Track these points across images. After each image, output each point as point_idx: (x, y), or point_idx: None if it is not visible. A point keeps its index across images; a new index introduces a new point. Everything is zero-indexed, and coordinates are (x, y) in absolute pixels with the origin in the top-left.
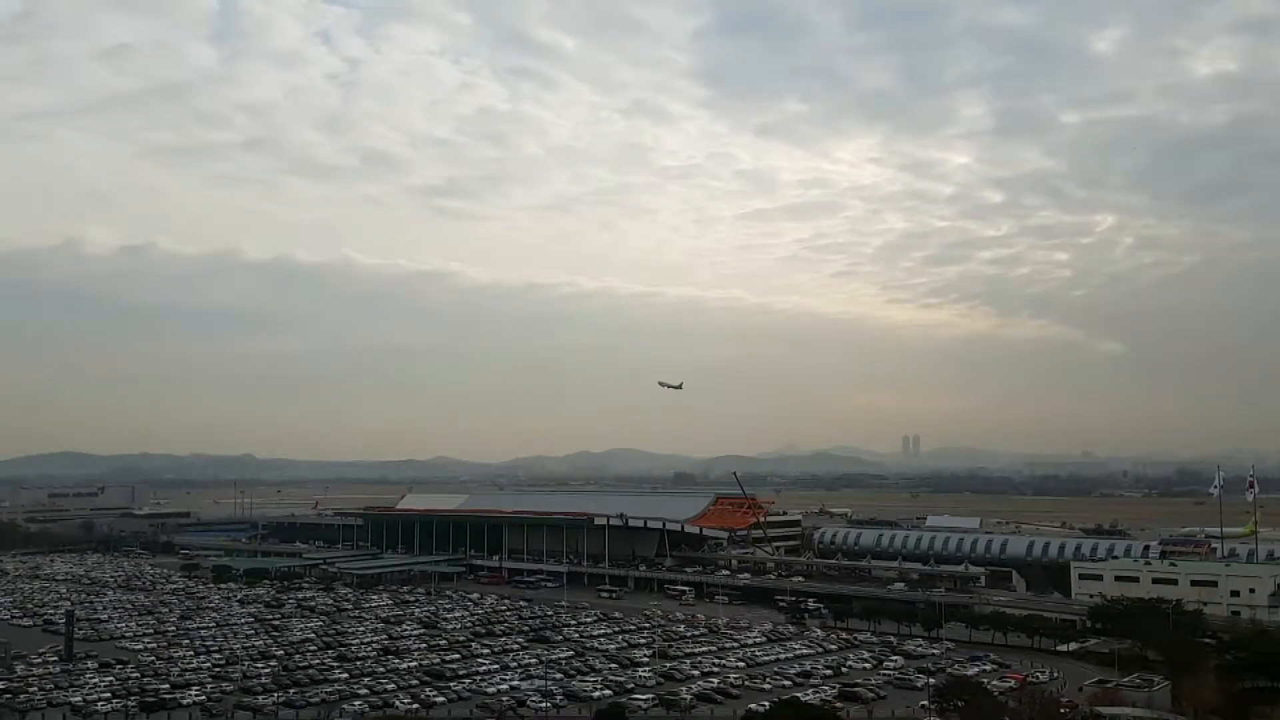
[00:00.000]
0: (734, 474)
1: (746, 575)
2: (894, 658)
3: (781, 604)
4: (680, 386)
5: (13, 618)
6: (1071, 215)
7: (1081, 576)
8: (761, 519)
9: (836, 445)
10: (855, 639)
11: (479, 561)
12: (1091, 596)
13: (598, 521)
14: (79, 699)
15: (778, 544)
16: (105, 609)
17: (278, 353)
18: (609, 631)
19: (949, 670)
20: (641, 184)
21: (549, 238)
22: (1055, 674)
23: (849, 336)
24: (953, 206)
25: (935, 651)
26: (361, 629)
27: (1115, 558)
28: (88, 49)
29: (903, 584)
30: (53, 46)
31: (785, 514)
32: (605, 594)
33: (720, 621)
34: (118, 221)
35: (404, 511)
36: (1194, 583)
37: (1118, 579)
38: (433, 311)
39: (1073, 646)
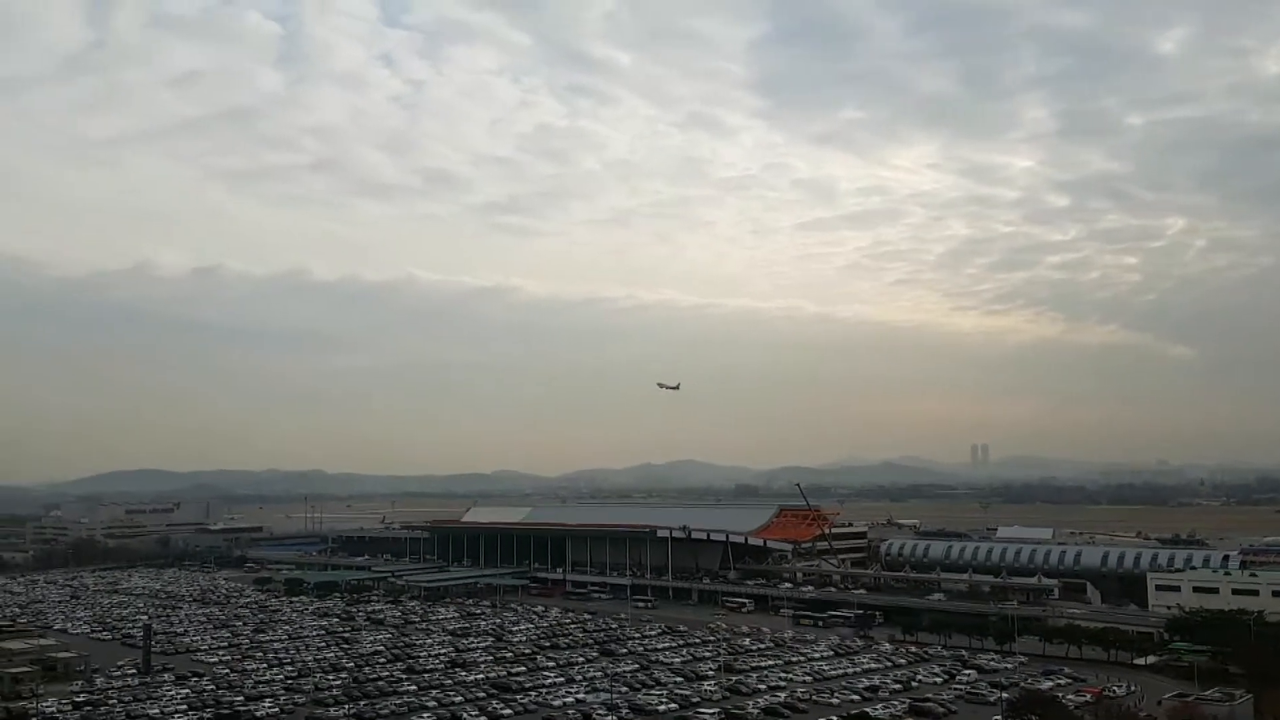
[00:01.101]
0: (797, 485)
1: (811, 588)
2: (966, 672)
3: (848, 617)
4: (678, 387)
5: (92, 631)
6: (1139, 218)
7: (1158, 588)
8: (827, 531)
9: (902, 455)
10: (925, 653)
11: (543, 574)
12: (1169, 608)
13: (660, 534)
14: (156, 711)
15: (843, 556)
16: (181, 623)
17: (345, 369)
18: (674, 645)
19: (1023, 685)
20: (698, 196)
21: (607, 251)
22: (1132, 688)
23: (912, 345)
24: (1017, 211)
25: (1008, 665)
26: (429, 641)
27: (1193, 568)
28: (157, 77)
29: (940, 595)
30: (124, 75)
31: (850, 526)
32: (640, 604)
33: (786, 635)
34: (188, 244)
35: (469, 525)
36: (1276, 593)
37: (1196, 590)
38: (494, 326)
39: (1150, 659)
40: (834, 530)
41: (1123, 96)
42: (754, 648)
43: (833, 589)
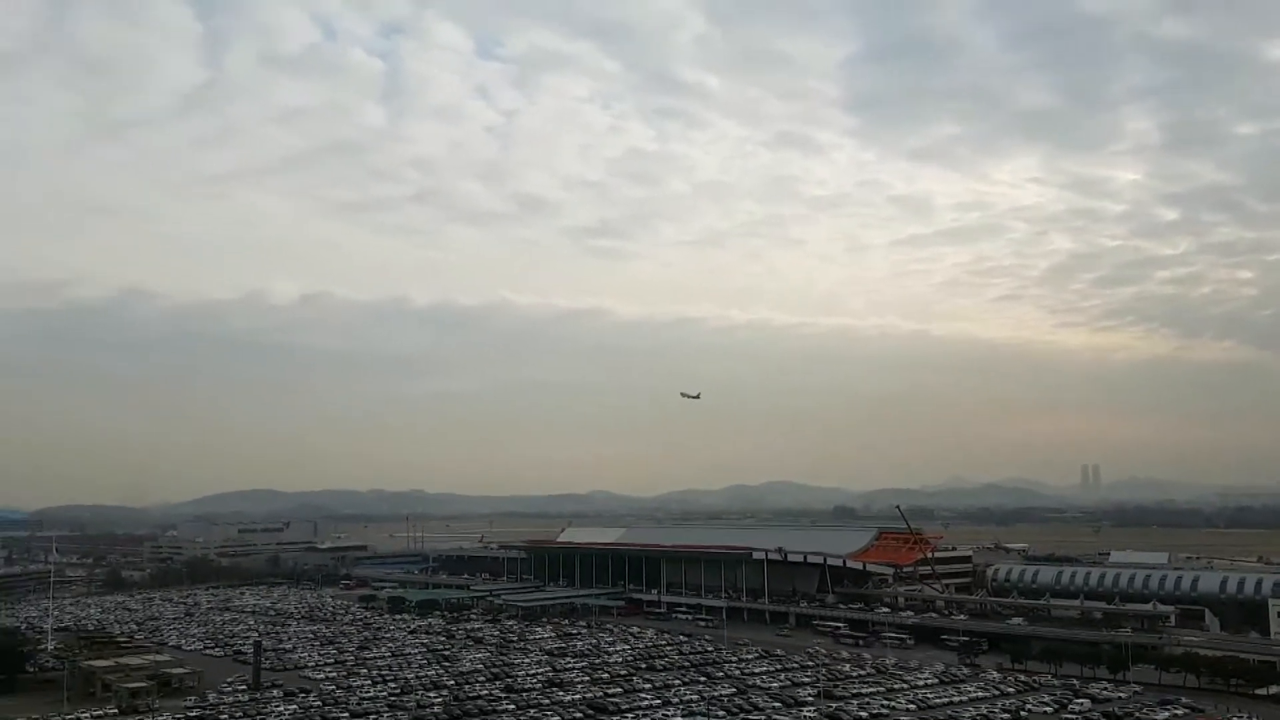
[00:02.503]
0: (897, 507)
1: (911, 613)
2: (1078, 701)
3: (953, 643)
4: (699, 396)
5: (205, 648)
6: (1254, 231)
7: None
8: (929, 554)
9: (1008, 477)
10: (1035, 681)
11: (638, 595)
12: None
13: (755, 556)
14: None
15: (947, 581)
16: (290, 639)
17: (443, 391)
18: (771, 669)
19: (1138, 715)
20: (790, 215)
21: (698, 272)
22: (1252, 719)
23: (1016, 362)
24: (1124, 225)
25: (1122, 695)
26: (527, 660)
27: None
28: (267, 113)
29: (1020, 619)
30: (235, 112)
31: (954, 549)
32: (703, 623)
33: (888, 661)
34: (296, 273)
35: (564, 545)
36: None
37: None
38: (586, 348)
39: (1272, 690)
40: (937, 554)
41: (1232, 106)
42: (854, 673)
43: (934, 614)
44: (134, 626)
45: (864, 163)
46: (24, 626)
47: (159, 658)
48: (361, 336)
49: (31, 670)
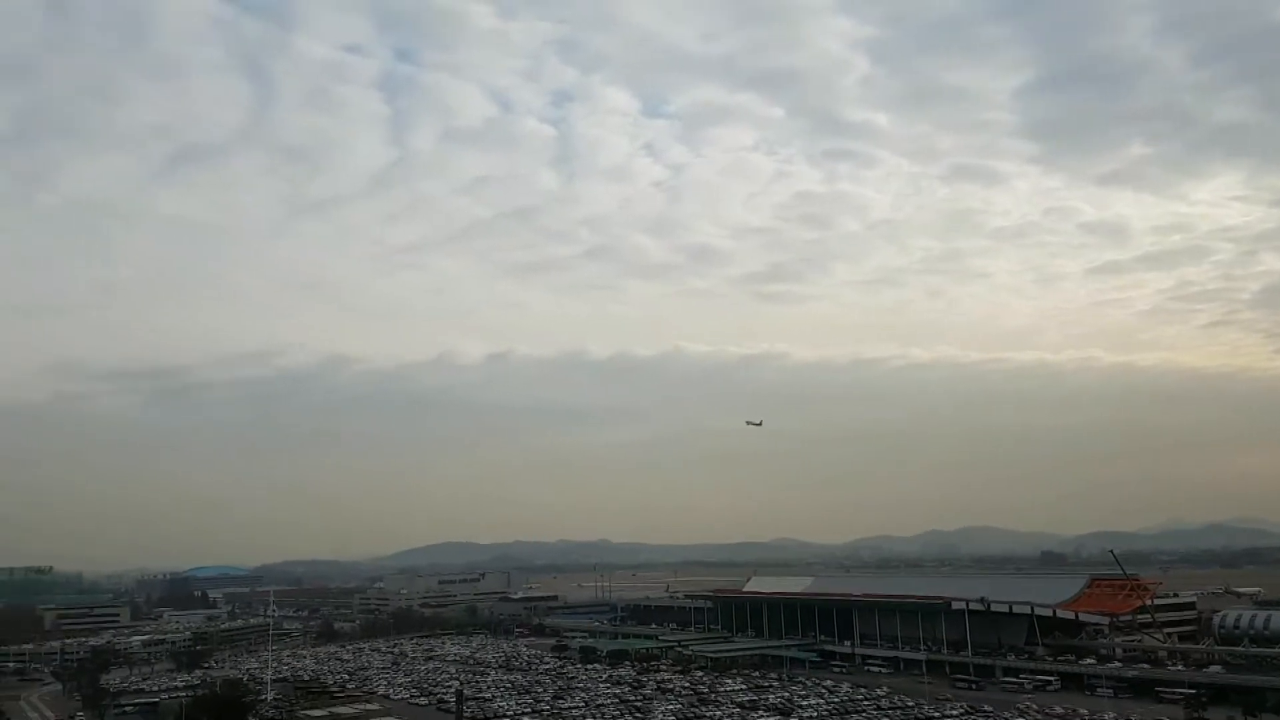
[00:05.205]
0: (1110, 552)
1: (1123, 664)
2: None
3: (1172, 696)
4: (761, 424)
5: (410, 697)
6: None
7: None
8: (1149, 602)
9: (1233, 516)
10: None
11: (830, 646)
12: None
13: (955, 606)
14: None
15: (1169, 629)
16: (489, 688)
17: (623, 441)
18: None
19: None
20: (971, 248)
21: (875, 311)
22: None
23: (1232, 392)
24: None
25: None
26: (719, 713)
27: None
28: (451, 185)
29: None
30: (422, 185)
31: (1175, 595)
32: (876, 668)
33: (1106, 717)
34: (482, 333)
35: (751, 594)
36: None
37: None
38: (762, 393)
39: None
40: (1156, 601)
41: None
42: None
43: (1146, 665)
44: (345, 676)
45: (1049, 190)
46: (246, 678)
47: (369, 706)
48: (543, 391)
49: None
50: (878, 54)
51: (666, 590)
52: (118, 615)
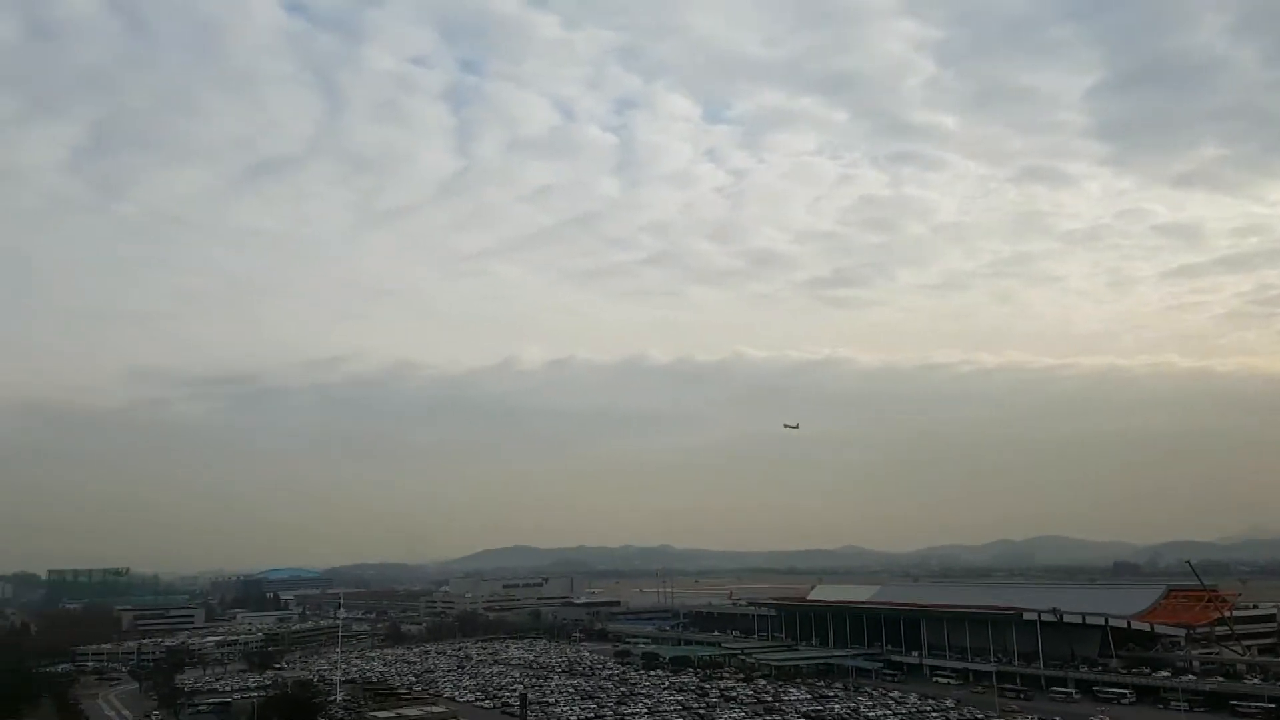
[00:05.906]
0: (1187, 562)
1: (1196, 677)
2: None
3: (1246, 709)
4: (798, 427)
5: (476, 699)
6: None
7: None
8: (1228, 614)
9: None
10: None
11: (897, 657)
12: None
13: (1026, 616)
14: None
15: (1247, 642)
16: (552, 693)
17: (685, 447)
18: None
19: None
20: (1041, 251)
21: (941, 316)
22: None
23: None
24: None
25: None
26: None
27: None
28: (515, 193)
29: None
30: (487, 194)
31: (1254, 607)
32: (943, 679)
33: None
34: (544, 339)
35: (815, 602)
36: None
37: None
38: (825, 399)
39: None
40: (1235, 613)
41: None
42: None
43: (1222, 679)
44: (412, 678)
45: (1121, 191)
46: (316, 679)
47: (434, 709)
48: (604, 396)
49: None
50: (944, 56)
51: (729, 597)
52: (192, 616)
